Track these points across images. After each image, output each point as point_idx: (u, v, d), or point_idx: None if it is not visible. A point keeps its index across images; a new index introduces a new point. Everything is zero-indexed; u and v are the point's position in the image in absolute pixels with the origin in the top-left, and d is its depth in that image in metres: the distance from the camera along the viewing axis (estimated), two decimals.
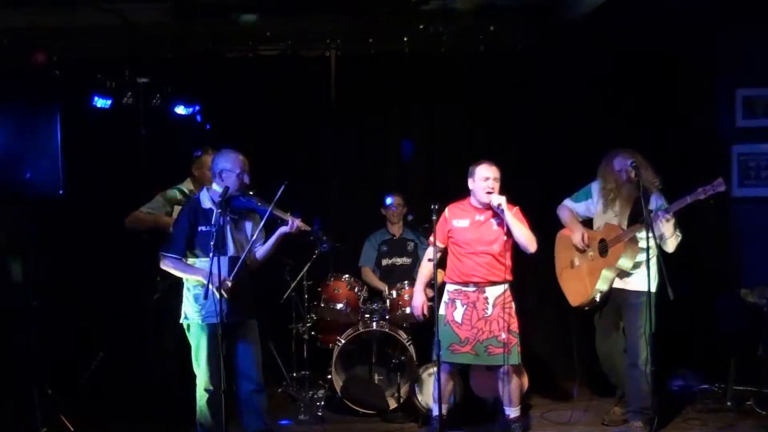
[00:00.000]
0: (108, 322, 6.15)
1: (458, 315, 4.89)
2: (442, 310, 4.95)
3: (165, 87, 6.09)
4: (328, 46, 6.43)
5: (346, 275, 5.85)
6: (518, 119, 6.44)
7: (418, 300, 5.12)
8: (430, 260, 4.88)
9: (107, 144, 6.16)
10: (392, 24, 6.26)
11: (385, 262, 6.20)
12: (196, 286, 4.51)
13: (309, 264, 5.70)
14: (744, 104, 6.28)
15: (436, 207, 4.68)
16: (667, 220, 4.82)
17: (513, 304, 4.90)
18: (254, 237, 4.56)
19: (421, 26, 6.25)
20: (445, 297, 4.98)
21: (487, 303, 4.84)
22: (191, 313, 4.53)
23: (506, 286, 4.90)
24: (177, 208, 5.16)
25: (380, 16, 6.19)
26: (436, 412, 4.94)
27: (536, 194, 6.41)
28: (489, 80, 6.42)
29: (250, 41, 6.33)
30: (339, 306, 5.74)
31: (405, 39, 6.30)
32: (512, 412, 4.94)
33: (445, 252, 5.02)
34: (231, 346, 4.60)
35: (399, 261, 6.15)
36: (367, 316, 5.79)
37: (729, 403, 5.52)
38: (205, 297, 4.26)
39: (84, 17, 5.98)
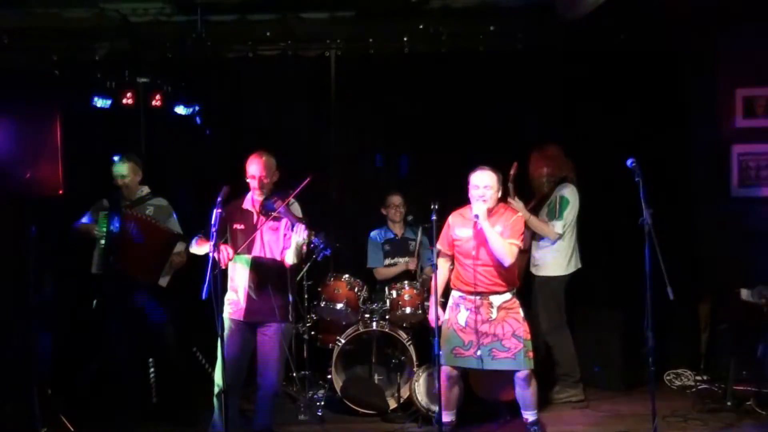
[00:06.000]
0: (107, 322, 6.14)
1: (462, 318, 4.87)
2: (447, 314, 4.96)
3: (165, 87, 6.09)
4: (328, 46, 6.43)
5: (346, 275, 5.83)
6: (518, 119, 6.43)
7: (435, 315, 4.78)
8: (443, 256, 4.93)
9: (107, 144, 6.15)
10: (392, 24, 6.25)
11: (387, 261, 6.17)
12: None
13: (309, 264, 5.70)
14: (744, 104, 6.28)
15: (436, 207, 4.66)
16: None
17: (520, 310, 4.88)
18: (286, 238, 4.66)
19: (421, 26, 6.24)
20: (450, 302, 5.00)
21: (491, 308, 4.82)
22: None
23: (512, 293, 4.88)
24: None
25: (380, 16, 6.19)
26: (444, 418, 4.92)
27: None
28: (489, 80, 6.41)
29: (250, 41, 6.32)
30: (339, 306, 5.73)
31: (405, 39, 6.29)
32: (530, 415, 4.93)
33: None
34: (254, 346, 4.73)
35: (401, 260, 6.12)
36: (367, 316, 5.78)
37: (729, 403, 5.51)
38: (203, 297, 4.19)
39: (84, 17, 5.99)
